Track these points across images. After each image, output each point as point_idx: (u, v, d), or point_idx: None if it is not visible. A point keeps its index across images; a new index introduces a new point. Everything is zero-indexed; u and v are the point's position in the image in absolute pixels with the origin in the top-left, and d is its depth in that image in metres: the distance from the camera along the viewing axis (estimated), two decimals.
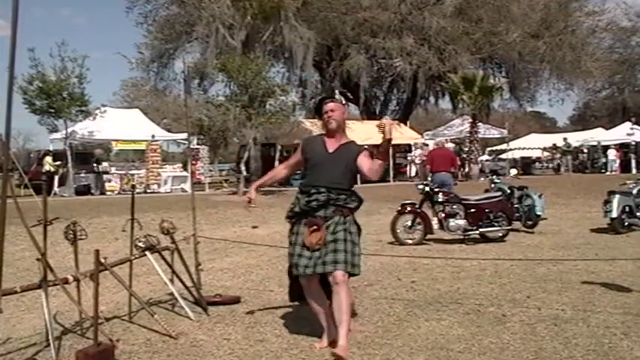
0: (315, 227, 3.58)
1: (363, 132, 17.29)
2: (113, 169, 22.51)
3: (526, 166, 27.95)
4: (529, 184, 11.97)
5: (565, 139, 26.59)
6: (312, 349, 3.69)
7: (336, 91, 3.98)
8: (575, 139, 30.99)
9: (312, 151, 3.83)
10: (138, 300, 4.28)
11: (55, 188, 18.42)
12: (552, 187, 16.69)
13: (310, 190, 3.66)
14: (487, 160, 29.43)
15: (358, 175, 3.87)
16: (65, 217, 6.18)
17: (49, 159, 19.02)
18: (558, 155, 25.61)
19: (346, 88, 28.52)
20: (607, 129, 30.56)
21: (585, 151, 29.27)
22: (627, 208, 9.12)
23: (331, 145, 3.76)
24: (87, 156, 22.10)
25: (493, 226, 8.53)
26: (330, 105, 3.78)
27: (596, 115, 43.68)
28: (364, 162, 3.69)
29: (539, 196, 9.58)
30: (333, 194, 3.63)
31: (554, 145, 25.96)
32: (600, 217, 9.37)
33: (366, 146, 3.81)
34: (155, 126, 23.19)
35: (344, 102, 3.86)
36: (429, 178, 10.36)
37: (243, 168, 18.95)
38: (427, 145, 22.86)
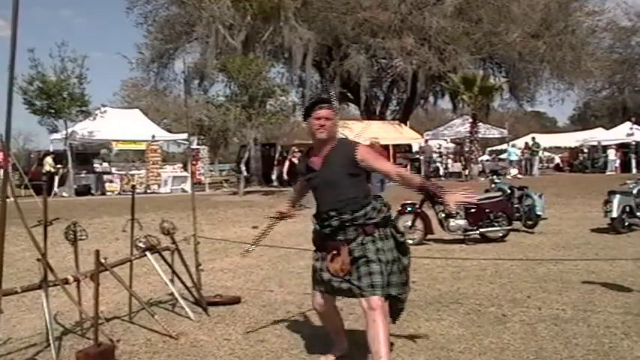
0: (334, 252, 3.13)
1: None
2: (113, 170, 22.52)
3: None
4: (529, 184, 11.98)
5: (533, 138, 26.72)
6: None
7: (332, 92, 3.59)
8: (575, 138, 31.06)
9: (303, 175, 3.41)
10: (138, 300, 4.28)
11: (55, 188, 18.43)
12: (552, 187, 16.69)
13: (322, 215, 3.23)
14: (487, 160, 29.45)
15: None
16: (65, 217, 6.18)
17: (49, 159, 19.02)
18: (527, 155, 25.68)
19: (346, 88, 28.58)
20: (607, 129, 30.58)
21: (585, 151, 29.29)
22: (627, 208, 9.11)
23: (317, 160, 3.24)
24: (87, 156, 22.11)
25: (493, 226, 8.53)
26: (323, 112, 3.19)
27: (596, 115, 43.64)
28: (373, 160, 3.19)
29: (540, 196, 9.57)
30: (346, 216, 3.12)
31: (526, 144, 26.07)
32: (600, 216, 9.36)
33: (360, 140, 3.44)
34: (155, 126, 23.18)
35: (337, 107, 3.45)
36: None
37: (243, 168, 18.97)
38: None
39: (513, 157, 25.16)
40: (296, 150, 15.54)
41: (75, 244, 4.20)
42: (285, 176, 17.65)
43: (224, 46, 23.09)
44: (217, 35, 22.72)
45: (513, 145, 26.11)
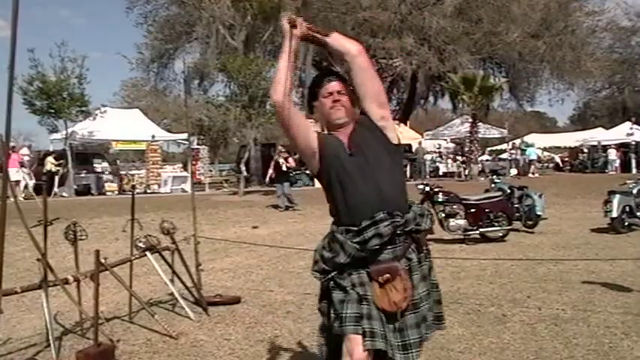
0: (388, 277, 2.13)
1: None
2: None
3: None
4: (529, 183, 11.97)
5: (522, 140, 26.80)
6: None
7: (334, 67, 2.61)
8: (575, 138, 31.08)
9: (332, 156, 2.28)
10: (138, 300, 4.28)
11: (55, 188, 18.42)
12: (552, 186, 16.69)
13: (360, 224, 2.17)
14: (487, 160, 29.46)
15: None
16: (65, 217, 6.18)
17: (51, 159, 19.00)
18: (514, 153, 25.74)
19: None
20: (607, 129, 30.59)
21: (585, 150, 29.31)
22: (627, 208, 9.11)
23: (348, 141, 2.29)
24: (87, 156, 22.11)
25: (493, 226, 8.53)
26: (333, 85, 2.34)
27: (596, 115, 43.63)
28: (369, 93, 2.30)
29: (540, 196, 9.57)
30: (398, 218, 2.19)
31: (514, 144, 26.15)
32: (600, 216, 9.36)
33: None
34: (155, 126, 23.19)
35: (347, 79, 2.36)
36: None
37: (243, 168, 18.97)
38: None
39: (533, 157, 25.01)
40: (282, 150, 15.44)
41: (75, 244, 4.21)
42: (272, 177, 17.34)
43: (224, 46, 23.10)
44: (217, 35, 22.74)
45: (531, 145, 25.76)
